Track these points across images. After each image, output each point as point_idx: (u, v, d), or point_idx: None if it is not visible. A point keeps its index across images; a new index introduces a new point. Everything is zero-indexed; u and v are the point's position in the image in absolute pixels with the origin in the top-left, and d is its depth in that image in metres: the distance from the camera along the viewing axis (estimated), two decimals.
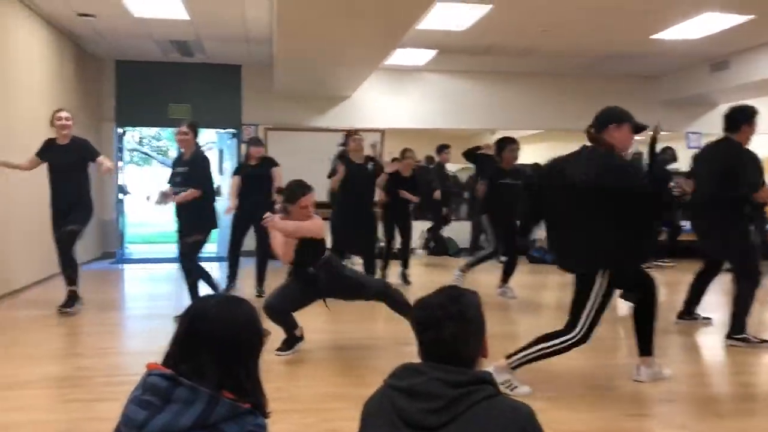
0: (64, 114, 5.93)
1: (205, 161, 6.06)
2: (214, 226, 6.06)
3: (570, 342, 3.55)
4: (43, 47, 8.11)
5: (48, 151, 5.96)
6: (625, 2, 7.27)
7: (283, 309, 4.41)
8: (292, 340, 4.54)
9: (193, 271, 5.88)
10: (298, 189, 4.38)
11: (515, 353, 3.63)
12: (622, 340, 4.91)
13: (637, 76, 11.38)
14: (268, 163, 6.93)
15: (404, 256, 7.82)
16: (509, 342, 5.19)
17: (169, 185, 5.98)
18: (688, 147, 12.10)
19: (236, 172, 7.12)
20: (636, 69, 10.90)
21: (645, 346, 3.89)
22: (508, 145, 6.73)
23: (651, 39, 8.80)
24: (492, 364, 3.53)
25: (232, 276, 6.91)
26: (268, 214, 4.40)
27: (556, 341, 3.56)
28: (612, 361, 4.61)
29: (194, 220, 5.82)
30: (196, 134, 5.93)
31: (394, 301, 4.56)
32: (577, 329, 3.53)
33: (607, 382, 4.01)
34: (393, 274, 7.64)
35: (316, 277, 4.45)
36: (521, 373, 3.69)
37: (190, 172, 5.76)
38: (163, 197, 5.85)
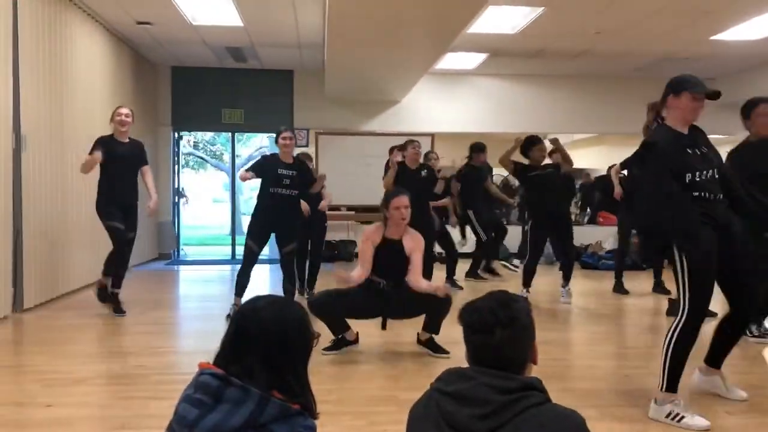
0: (124, 111, 6.02)
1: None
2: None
3: (681, 325, 3.30)
4: (103, 53, 8.38)
5: (108, 146, 5.86)
6: (683, 3, 7.08)
7: (330, 308, 4.46)
8: (341, 342, 4.59)
9: (293, 274, 6.15)
10: (392, 192, 4.71)
11: (660, 375, 3.40)
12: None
13: None
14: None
15: (448, 262, 7.78)
16: (559, 349, 5.12)
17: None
18: None
19: None
20: (694, 71, 10.52)
21: (714, 358, 3.71)
22: (535, 144, 6.72)
23: (711, 40, 8.56)
24: (653, 398, 3.38)
25: (301, 281, 7.04)
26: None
27: (672, 332, 3.34)
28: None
29: (293, 230, 6.01)
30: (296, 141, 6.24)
31: (440, 315, 4.47)
32: (681, 310, 3.32)
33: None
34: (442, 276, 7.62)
35: (382, 291, 4.51)
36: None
37: (299, 177, 5.92)
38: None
